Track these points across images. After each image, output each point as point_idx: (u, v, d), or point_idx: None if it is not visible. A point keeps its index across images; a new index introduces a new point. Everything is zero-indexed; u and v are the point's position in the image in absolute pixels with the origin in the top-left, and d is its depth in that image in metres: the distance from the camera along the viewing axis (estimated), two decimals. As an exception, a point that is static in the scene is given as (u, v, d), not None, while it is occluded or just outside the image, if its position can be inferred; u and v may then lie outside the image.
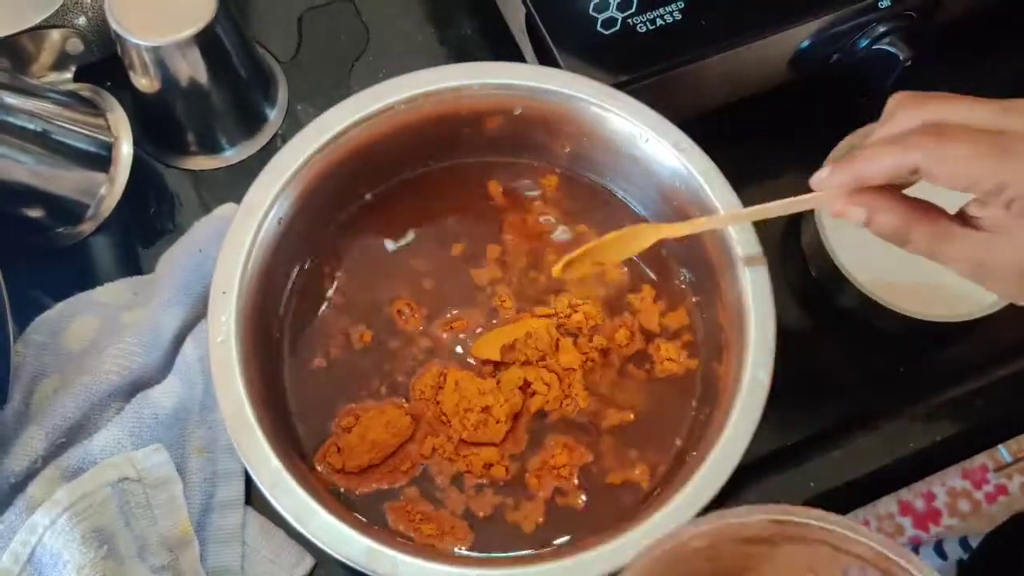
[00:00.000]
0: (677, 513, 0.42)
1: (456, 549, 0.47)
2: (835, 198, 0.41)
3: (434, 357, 0.51)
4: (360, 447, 0.48)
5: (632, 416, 0.50)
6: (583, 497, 0.48)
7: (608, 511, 0.48)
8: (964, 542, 1.11)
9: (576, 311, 0.52)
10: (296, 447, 0.49)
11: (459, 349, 0.51)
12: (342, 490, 0.48)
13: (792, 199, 0.45)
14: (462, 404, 0.49)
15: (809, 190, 0.57)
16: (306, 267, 0.53)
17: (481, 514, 0.48)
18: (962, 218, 0.40)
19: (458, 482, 0.48)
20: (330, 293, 0.53)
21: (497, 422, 0.48)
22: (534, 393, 0.50)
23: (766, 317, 0.46)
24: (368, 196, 0.54)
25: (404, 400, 0.50)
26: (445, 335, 0.52)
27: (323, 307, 0.53)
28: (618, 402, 0.50)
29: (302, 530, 0.42)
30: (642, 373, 0.51)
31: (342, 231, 0.54)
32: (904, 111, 0.40)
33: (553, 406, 0.50)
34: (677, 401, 0.51)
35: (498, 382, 0.50)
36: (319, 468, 0.48)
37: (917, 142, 0.38)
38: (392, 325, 0.52)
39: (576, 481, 0.48)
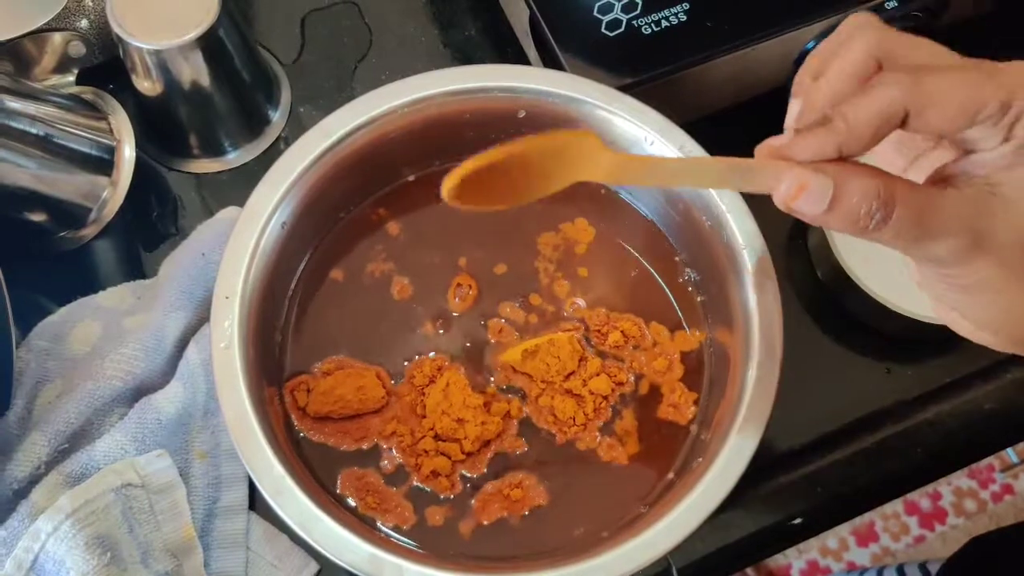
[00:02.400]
0: (682, 520, 0.42)
1: (395, 526, 0.47)
2: (784, 170, 0.33)
3: (448, 349, 0.51)
4: (326, 396, 0.48)
5: (623, 462, 0.49)
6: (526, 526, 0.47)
7: (549, 542, 0.47)
8: (923, 568, 1.11)
9: (614, 328, 0.51)
10: (276, 368, 0.49)
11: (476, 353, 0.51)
12: (297, 429, 0.49)
13: (728, 164, 0.35)
14: (442, 405, 0.48)
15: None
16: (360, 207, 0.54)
17: (423, 505, 0.48)
18: (944, 182, 0.34)
19: (402, 474, 0.48)
20: (390, 229, 0.53)
21: (463, 438, 0.48)
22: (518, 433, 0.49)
23: (772, 321, 0.46)
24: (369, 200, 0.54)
25: (392, 377, 0.50)
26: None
27: (375, 243, 0.53)
28: (618, 443, 0.49)
29: (306, 537, 0.41)
30: (644, 411, 0.50)
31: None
32: (861, 36, 0.34)
33: (569, 436, 0.49)
34: (668, 450, 0.49)
35: (487, 404, 0.49)
36: (285, 398, 0.49)
37: (891, 80, 0.32)
38: (443, 296, 0.52)
39: (524, 514, 0.47)
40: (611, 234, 0.54)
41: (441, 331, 0.51)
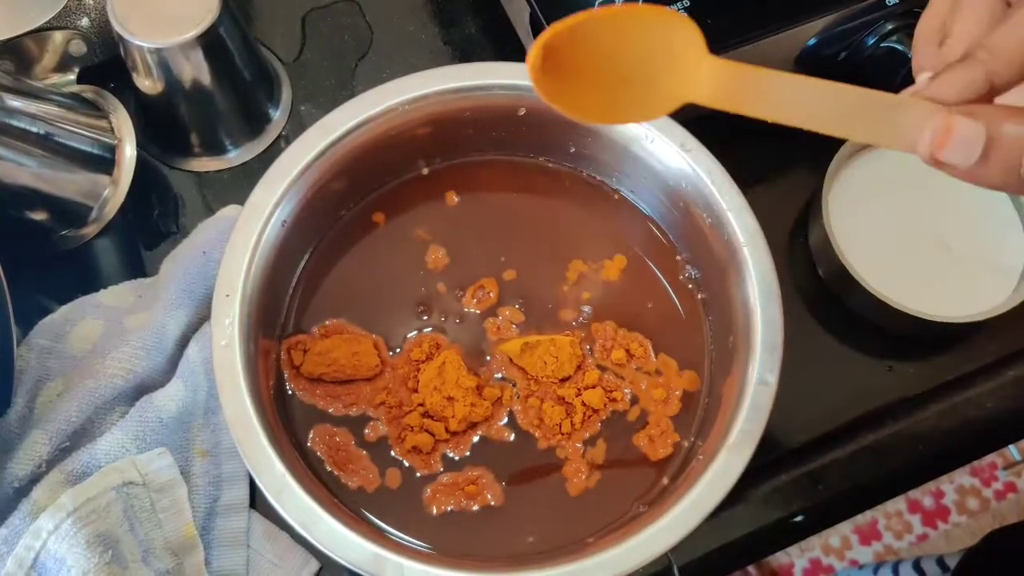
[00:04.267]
0: (682, 519, 0.42)
1: (359, 487, 0.47)
2: (934, 112, 0.29)
3: (450, 332, 0.51)
4: (321, 359, 0.49)
5: (578, 490, 0.48)
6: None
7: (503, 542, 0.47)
8: (941, 561, 1.11)
9: (619, 345, 0.50)
10: (278, 322, 0.50)
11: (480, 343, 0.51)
12: (288, 386, 0.49)
13: (871, 99, 0.31)
14: (435, 382, 0.48)
15: (802, 191, 0.57)
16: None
17: (389, 481, 0.48)
18: None
19: (383, 446, 0.48)
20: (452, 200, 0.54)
21: (451, 416, 0.48)
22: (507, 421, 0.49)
23: (773, 319, 0.45)
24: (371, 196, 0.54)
25: (389, 348, 0.50)
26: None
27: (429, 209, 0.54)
28: (587, 465, 0.48)
29: (307, 536, 0.41)
30: (625, 435, 0.49)
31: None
32: None
33: (550, 443, 0.49)
34: (631, 482, 0.48)
35: (479, 388, 0.49)
36: (281, 355, 0.50)
37: None
38: (465, 287, 0.52)
39: (475, 510, 0.47)
40: (642, 265, 0.53)
41: (446, 316, 0.51)
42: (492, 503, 0.47)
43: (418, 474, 0.48)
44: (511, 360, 0.50)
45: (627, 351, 0.50)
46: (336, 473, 0.48)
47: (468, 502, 0.47)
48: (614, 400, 0.49)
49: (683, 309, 0.52)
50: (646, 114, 0.36)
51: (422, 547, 0.46)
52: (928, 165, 0.30)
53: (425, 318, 0.51)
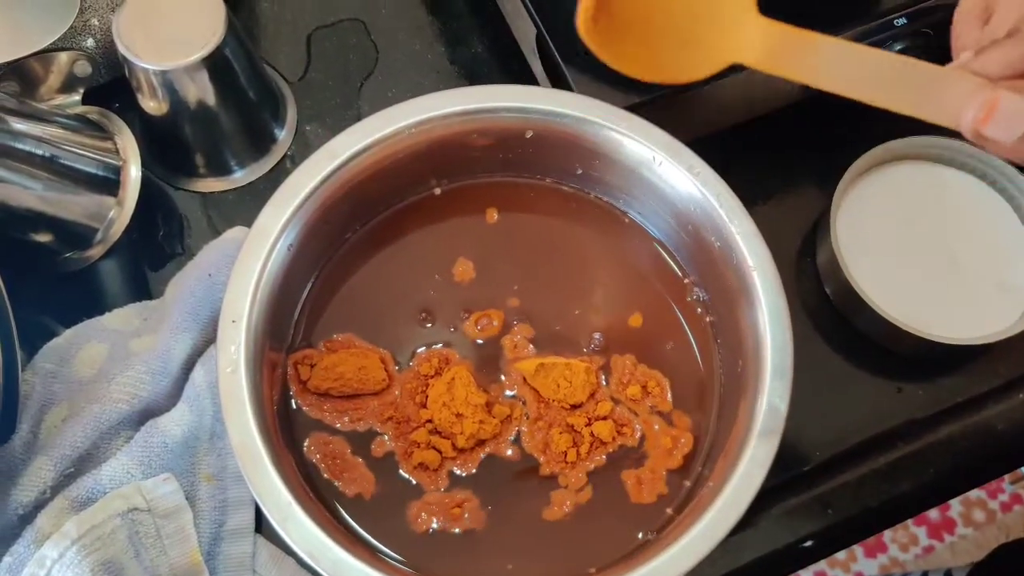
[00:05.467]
0: (692, 547, 0.41)
1: (356, 495, 0.47)
2: (979, 87, 0.30)
3: (460, 348, 0.51)
4: (328, 373, 0.49)
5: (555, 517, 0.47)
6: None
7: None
8: (948, 575, 1.11)
9: (636, 381, 0.50)
10: (288, 335, 0.50)
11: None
12: (292, 400, 0.49)
13: (923, 72, 0.31)
14: (444, 398, 0.48)
15: (810, 210, 0.57)
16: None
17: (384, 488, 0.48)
18: None
19: (388, 461, 0.48)
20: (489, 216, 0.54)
21: (459, 433, 0.48)
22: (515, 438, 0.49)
23: (783, 345, 0.45)
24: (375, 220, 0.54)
25: (396, 363, 0.50)
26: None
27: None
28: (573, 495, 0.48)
29: (314, 566, 0.41)
30: (617, 469, 0.48)
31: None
32: None
33: (553, 469, 0.48)
34: (637, 514, 0.47)
35: (489, 405, 0.49)
36: (288, 369, 0.49)
37: None
38: (473, 312, 0.52)
39: (456, 532, 0.47)
40: (659, 302, 0.52)
41: (453, 332, 0.51)
42: (474, 527, 0.47)
43: (427, 490, 0.47)
44: (524, 379, 0.50)
45: (643, 387, 0.50)
46: (335, 482, 0.47)
47: (452, 524, 0.47)
48: (623, 435, 0.49)
49: (692, 333, 0.51)
50: (693, 72, 0.36)
51: (405, 566, 0.46)
52: (973, 140, 0.30)
53: (430, 329, 0.51)
